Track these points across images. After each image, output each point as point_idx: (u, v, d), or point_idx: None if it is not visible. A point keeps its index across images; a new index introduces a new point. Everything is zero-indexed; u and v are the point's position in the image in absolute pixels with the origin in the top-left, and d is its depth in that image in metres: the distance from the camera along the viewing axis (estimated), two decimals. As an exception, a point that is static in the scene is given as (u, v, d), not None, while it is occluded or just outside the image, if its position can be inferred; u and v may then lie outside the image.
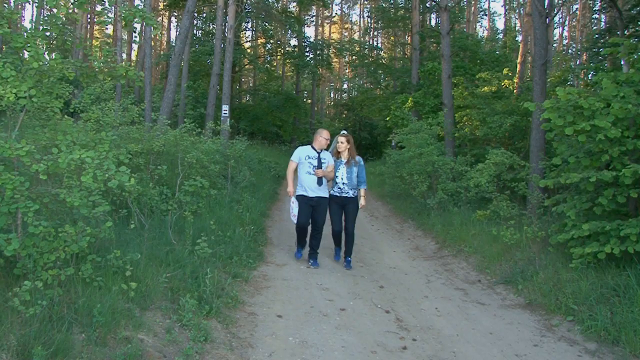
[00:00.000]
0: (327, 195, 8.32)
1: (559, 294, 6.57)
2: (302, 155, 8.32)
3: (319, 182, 8.17)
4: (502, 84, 18.81)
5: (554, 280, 6.89)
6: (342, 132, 8.54)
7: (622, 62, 10.14)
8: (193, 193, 8.38)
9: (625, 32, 13.53)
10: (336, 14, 59.17)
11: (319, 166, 8.22)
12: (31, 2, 5.28)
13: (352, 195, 8.32)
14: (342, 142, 8.35)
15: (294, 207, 8.21)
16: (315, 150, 8.33)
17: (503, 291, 7.50)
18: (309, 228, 8.48)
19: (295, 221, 8.25)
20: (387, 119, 24.76)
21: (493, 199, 10.54)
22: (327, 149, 8.51)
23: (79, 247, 4.70)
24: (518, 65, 20.79)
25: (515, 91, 18.54)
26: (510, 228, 8.61)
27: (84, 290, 4.74)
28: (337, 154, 8.46)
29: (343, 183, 8.28)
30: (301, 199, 8.22)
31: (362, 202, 8.47)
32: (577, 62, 31.35)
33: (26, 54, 5.12)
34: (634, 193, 6.34)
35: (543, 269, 7.34)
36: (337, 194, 8.31)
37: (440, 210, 12.60)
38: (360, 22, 60.12)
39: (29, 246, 4.51)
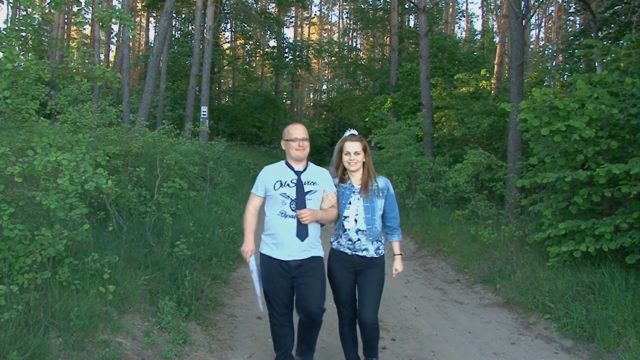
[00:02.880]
0: (320, 254, 4.36)
1: (536, 293, 6.66)
2: (270, 181, 4.30)
3: (303, 232, 4.24)
4: (480, 84, 19.00)
5: (531, 279, 6.98)
6: (349, 133, 4.49)
7: (597, 64, 10.32)
8: (172, 195, 8.34)
9: (599, 34, 13.76)
10: (315, 15, 59.25)
11: (301, 200, 4.23)
12: (5, 2, 5.19)
13: (375, 254, 4.37)
14: (352, 152, 4.33)
15: (255, 278, 4.46)
16: (292, 169, 4.32)
17: (481, 290, 7.58)
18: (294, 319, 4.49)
19: (261, 307, 4.48)
20: (366, 119, 24.85)
21: (471, 199, 10.67)
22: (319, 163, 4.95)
23: (56, 250, 4.65)
24: (495, 66, 21.05)
25: (492, 92, 18.74)
26: (488, 227, 8.72)
27: (61, 294, 4.69)
28: (341, 173, 4.46)
29: (358, 230, 4.33)
30: (268, 263, 4.33)
31: (396, 265, 4.53)
32: (553, 63, 31.77)
33: (0, 55, 5.05)
34: (608, 192, 6.45)
35: (520, 268, 7.43)
36: (347, 251, 4.38)
37: (419, 210, 12.69)
38: (339, 23, 60.31)
39: (4, 249, 4.44)
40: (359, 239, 4.32)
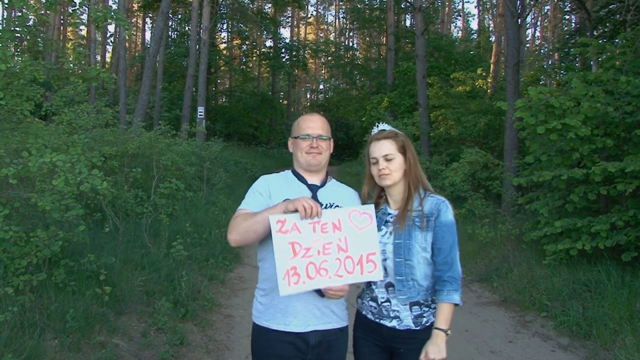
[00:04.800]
0: (346, 322, 2.74)
1: (532, 291, 6.67)
2: (274, 199, 2.69)
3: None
4: (476, 83, 19.03)
5: (528, 277, 6.99)
6: (378, 127, 2.80)
7: (592, 62, 10.36)
8: (168, 195, 8.33)
9: (595, 33, 13.78)
10: (312, 15, 59.20)
11: None
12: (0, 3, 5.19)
13: (414, 325, 2.60)
14: (380, 158, 2.67)
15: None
16: (305, 182, 2.76)
17: (478, 289, 7.58)
18: None
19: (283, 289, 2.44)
20: (363, 119, 24.85)
21: (468, 198, 10.66)
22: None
23: (52, 252, 4.64)
24: (491, 65, 21.10)
25: (489, 91, 18.79)
26: (485, 226, 8.72)
27: (56, 296, 4.68)
28: (377, 195, 2.84)
29: (389, 286, 2.65)
30: (267, 339, 2.65)
31: (428, 347, 2.49)
32: (549, 62, 31.85)
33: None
34: (603, 190, 6.47)
35: (517, 266, 7.44)
36: (370, 316, 2.71)
37: (416, 209, 12.67)
38: (335, 23, 60.26)
39: None
40: (386, 300, 2.64)
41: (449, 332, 2.51)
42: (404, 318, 2.60)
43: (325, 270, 2.45)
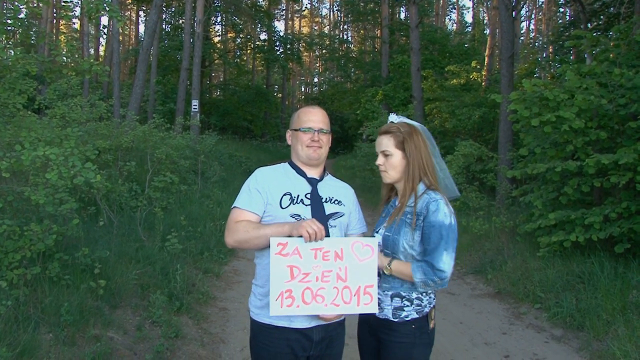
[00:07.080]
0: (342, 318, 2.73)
1: (526, 283, 6.70)
2: (273, 192, 2.63)
3: None
4: (471, 76, 19.05)
5: (522, 269, 7.02)
6: (389, 119, 2.75)
7: (586, 55, 10.38)
8: (163, 189, 8.32)
9: (589, 26, 13.81)
10: (306, 7, 59.06)
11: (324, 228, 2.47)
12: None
13: (393, 317, 2.61)
14: (380, 153, 2.70)
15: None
16: (304, 175, 2.71)
17: (473, 281, 7.61)
18: None
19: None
20: (358, 112, 24.87)
21: (462, 190, 10.69)
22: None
23: (46, 246, 4.62)
24: (486, 58, 21.09)
25: (483, 83, 18.80)
26: (479, 219, 8.75)
27: (51, 289, 4.67)
28: (387, 190, 2.85)
29: (379, 275, 2.61)
30: (269, 337, 2.57)
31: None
32: (544, 55, 31.86)
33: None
34: (597, 182, 6.49)
35: (511, 259, 7.47)
36: None
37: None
38: (330, 15, 60.15)
39: (-7, 245, 4.42)
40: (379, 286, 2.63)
41: (388, 268, 2.55)
42: (384, 307, 2.61)
43: (322, 297, 2.46)
